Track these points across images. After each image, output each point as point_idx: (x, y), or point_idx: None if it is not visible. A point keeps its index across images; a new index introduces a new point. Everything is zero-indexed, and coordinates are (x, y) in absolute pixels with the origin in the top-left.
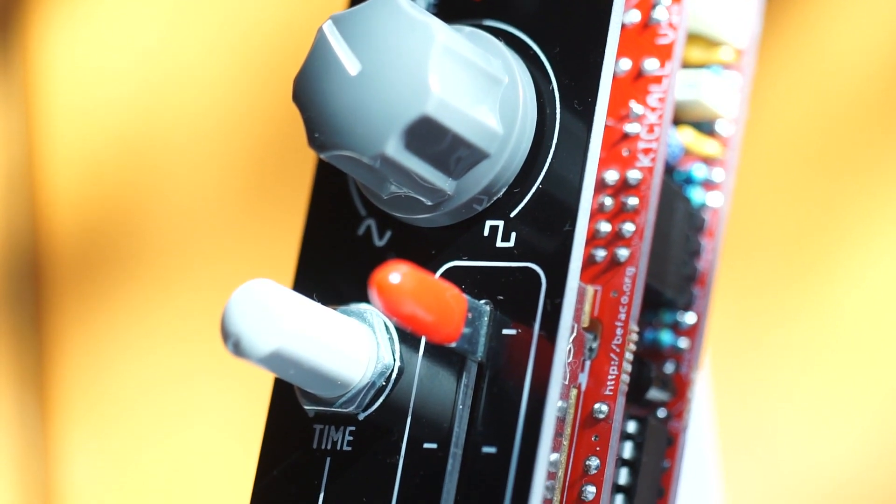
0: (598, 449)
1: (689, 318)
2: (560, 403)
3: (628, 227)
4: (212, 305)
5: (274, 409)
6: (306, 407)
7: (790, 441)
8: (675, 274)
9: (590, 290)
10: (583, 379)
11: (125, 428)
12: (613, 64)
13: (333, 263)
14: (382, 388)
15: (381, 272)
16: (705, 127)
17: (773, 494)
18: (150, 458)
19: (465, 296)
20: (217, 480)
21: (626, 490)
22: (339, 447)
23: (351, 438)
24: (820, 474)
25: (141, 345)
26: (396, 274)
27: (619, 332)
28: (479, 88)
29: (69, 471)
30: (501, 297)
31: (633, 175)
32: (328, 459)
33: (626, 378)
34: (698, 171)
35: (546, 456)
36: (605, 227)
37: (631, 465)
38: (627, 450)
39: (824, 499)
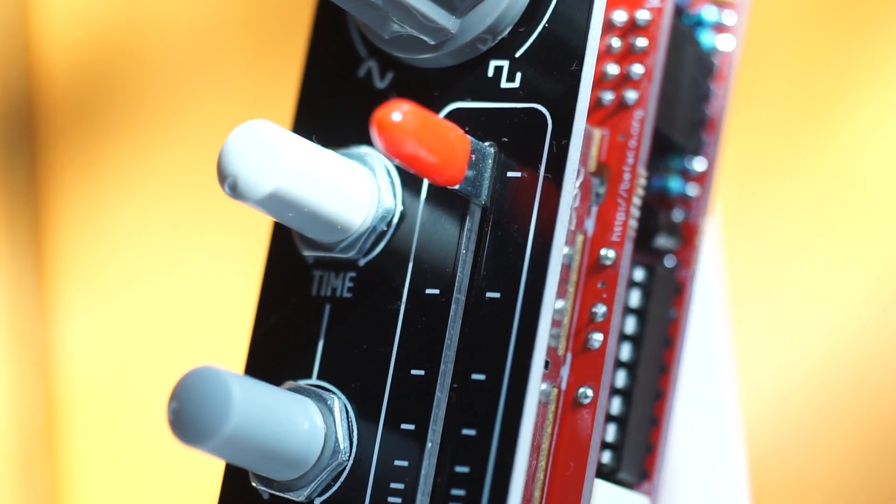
0: (604, 296)
1: (699, 164)
2: (566, 249)
3: (637, 69)
4: (209, 149)
5: (272, 255)
6: (305, 253)
7: (800, 291)
8: (684, 118)
9: (597, 133)
10: (589, 225)
11: (122, 276)
12: None
13: (333, 106)
14: (383, 233)
15: (383, 110)
16: None
17: (781, 343)
18: (148, 305)
19: (468, 137)
20: (216, 328)
21: (633, 339)
22: (338, 294)
23: (351, 285)
24: (829, 319)
25: (137, 192)
26: (398, 112)
27: (626, 176)
28: None
29: (66, 320)
30: (506, 139)
31: (642, 16)
32: (328, 306)
33: (633, 224)
34: (709, 13)
35: (551, 301)
36: (612, 69)
37: (638, 313)
38: (634, 298)
39: (833, 344)
